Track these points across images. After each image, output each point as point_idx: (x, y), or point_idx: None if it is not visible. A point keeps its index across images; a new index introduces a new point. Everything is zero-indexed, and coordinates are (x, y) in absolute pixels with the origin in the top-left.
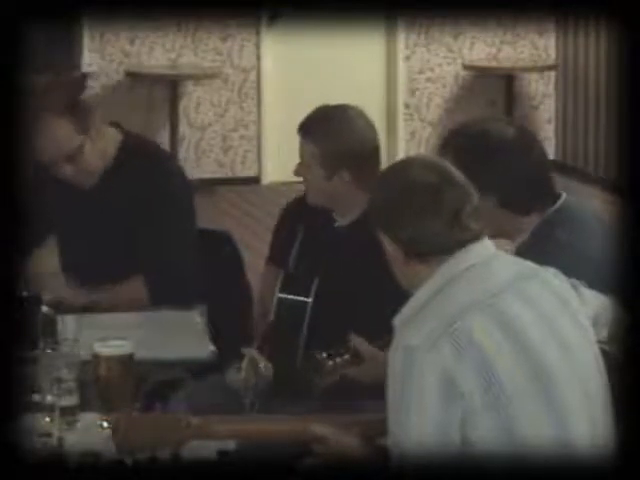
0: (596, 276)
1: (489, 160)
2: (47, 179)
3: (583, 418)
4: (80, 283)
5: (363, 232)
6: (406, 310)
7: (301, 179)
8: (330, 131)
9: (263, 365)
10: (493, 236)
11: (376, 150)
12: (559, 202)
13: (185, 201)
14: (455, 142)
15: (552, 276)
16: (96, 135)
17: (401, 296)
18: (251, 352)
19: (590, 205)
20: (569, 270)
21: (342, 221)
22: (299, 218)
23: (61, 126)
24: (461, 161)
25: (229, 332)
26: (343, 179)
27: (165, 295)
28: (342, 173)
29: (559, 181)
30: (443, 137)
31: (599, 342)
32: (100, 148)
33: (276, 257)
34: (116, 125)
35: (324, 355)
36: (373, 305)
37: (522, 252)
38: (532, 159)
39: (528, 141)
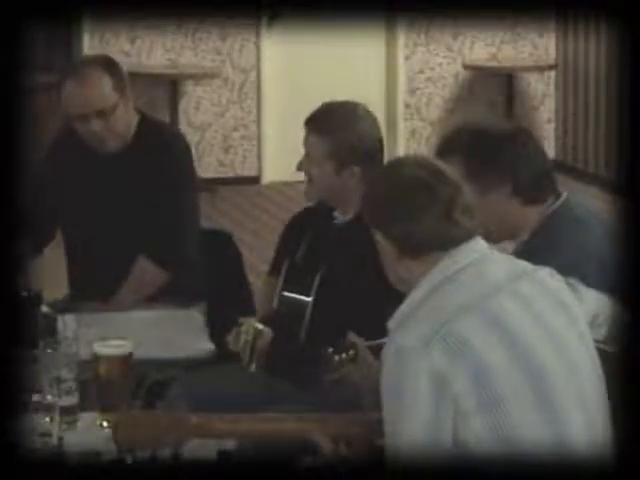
0: (597, 275)
1: (499, 150)
2: (58, 156)
3: (578, 418)
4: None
5: (362, 228)
6: (400, 311)
7: (302, 178)
8: (340, 125)
9: (263, 330)
10: (501, 230)
11: (382, 146)
12: (560, 200)
13: (193, 180)
14: (461, 140)
15: (547, 275)
16: (127, 101)
17: (400, 293)
18: (250, 320)
19: (590, 204)
20: (570, 269)
21: (342, 218)
22: (302, 229)
23: (102, 80)
24: (472, 157)
25: (229, 331)
26: (353, 174)
27: (171, 269)
28: (352, 168)
29: (559, 181)
30: (446, 138)
31: (597, 342)
32: (127, 116)
33: (278, 269)
34: (136, 108)
35: (330, 350)
36: (374, 301)
37: (522, 251)
38: (535, 149)
39: (527, 133)
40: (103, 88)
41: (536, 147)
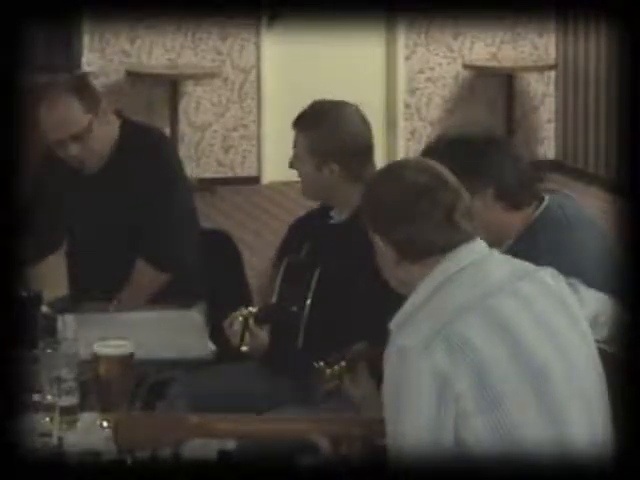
0: (591, 276)
1: (480, 157)
2: (51, 170)
3: (579, 418)
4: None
5: (358, 227)
6: (402, 312)
7: (297, 174)
8: (321, 123)
9: (255, 312)
10: (487, 237)
11: (368, 147)
12: (543, 205)
13: (183, 180)
14: (443, 147)
15: (548, 276)
16: (103, 117)
17: (398, 294)
18: (249, 309)
19: (590, 204)
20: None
21: (338, 217)
22: (304, 230)
23: (73, 105)
24: (454, 163)
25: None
26: (332, 171)
27: (169, 270)
28: (331, 165)
29: (559, 181)
30: (428, 146)
31: (598, 342)
32: (106, 132)
33: (278, 269)
34: (117, 112)
35: (321, 364)
36: (371, 300)
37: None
38: (516, 155)
39: (507, 140)
40: (74, 113)
41: (517, 153)
